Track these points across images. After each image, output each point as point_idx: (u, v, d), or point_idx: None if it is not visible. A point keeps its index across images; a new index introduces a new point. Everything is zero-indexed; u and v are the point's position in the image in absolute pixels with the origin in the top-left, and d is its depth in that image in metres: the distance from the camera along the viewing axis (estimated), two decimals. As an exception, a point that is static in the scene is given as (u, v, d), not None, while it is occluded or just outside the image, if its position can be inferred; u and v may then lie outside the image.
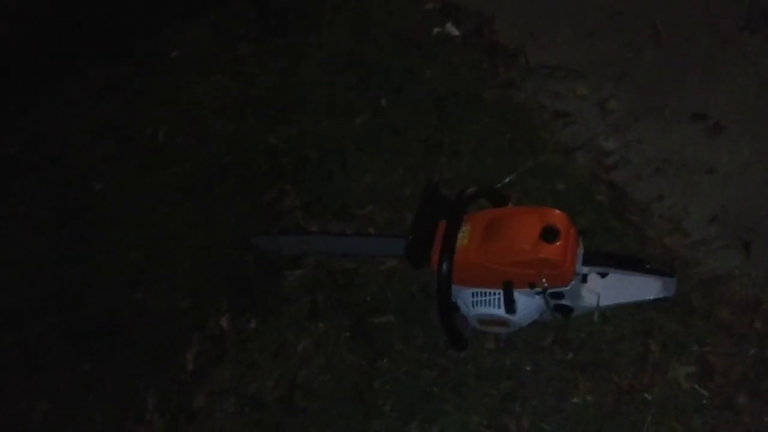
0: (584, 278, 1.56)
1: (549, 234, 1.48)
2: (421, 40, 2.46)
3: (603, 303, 1.61)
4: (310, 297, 1.95)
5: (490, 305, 1.58)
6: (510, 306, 1.52)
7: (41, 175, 2.64)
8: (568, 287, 1.52)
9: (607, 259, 1.58)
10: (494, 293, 1.57)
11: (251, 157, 2.35)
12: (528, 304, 1.58)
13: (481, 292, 1.59)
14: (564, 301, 1.57)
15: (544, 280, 1.50)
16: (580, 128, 2.06)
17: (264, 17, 2.80)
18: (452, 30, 2.43)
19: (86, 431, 1.95)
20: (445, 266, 1.52)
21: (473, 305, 1.60)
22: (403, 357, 1.75)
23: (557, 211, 1.54)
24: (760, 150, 1.86)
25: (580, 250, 1.54)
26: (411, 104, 2.29)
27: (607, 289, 1.61)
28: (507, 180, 1.98)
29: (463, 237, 1.56)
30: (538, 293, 1.55)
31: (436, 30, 2.45)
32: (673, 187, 1.86)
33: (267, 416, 1.79)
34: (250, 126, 2.45)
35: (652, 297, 1.60)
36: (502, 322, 1.60)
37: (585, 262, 1.54)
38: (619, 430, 1.49)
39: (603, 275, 1.60)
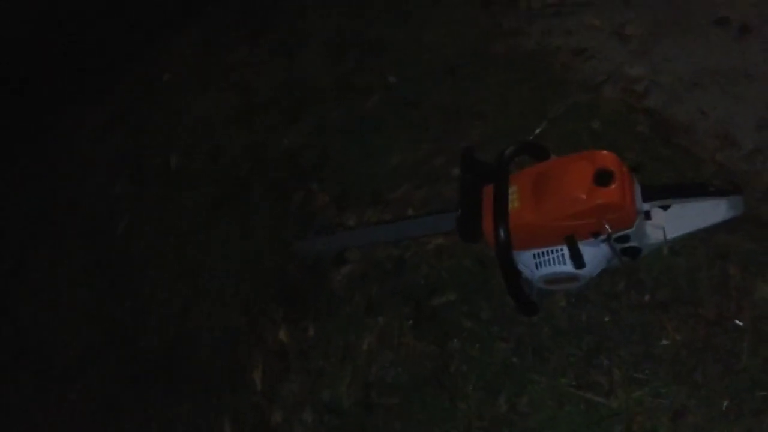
0: (647, 215, 1.49)
1: (603, 177, 1.40)
2: (413, 5, 2.36)
3: (670, 236, 1.53)
4: (363, 292, 1.90)
5: (555, 263, 1.50)
6: (578, 260, 1.46)
7: (61, 224, 2.60)
8: (633, 228, 1.45)
9: (667, 190, 1.50)
10: (557, 250, 1.50)
11: (270, 162, 2.28)
12: (594, 254, 1.50)
13: (543, 252, 1.52)
14: (631, 243, 1.49)
15: (607, 226, 1.43)
16: (601, 61, 1.97)
17: (249, 16, 2.71)
18: (443, -12, 2.34)
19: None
20: (502, 233, 1.45)
21: (537, 266, 1.53)
22: (473, 334, 1.69)
23: (605, 152, 1.45)
24: (795, 43, 1.77)
25: (637, 187, 1.47)
26: (420, 74, 2.21)
27: (671, 221, 1.53)
28: (538, 131, 1.90)
29: (513, 199, 1.49)
30: (602, 241, 1.48)
31: (426, -8, 2.36)
32: (712, 101, 1.77)
33: (348, 420, 1.75)
34: (261, 132, 2.38)
35: (720, 220, 1.52)
36: (572, 278, 1.53)
37: (645, 199, 1.46)
38: (718, 364, 1.43)
39: (665, 208, 1.53)
